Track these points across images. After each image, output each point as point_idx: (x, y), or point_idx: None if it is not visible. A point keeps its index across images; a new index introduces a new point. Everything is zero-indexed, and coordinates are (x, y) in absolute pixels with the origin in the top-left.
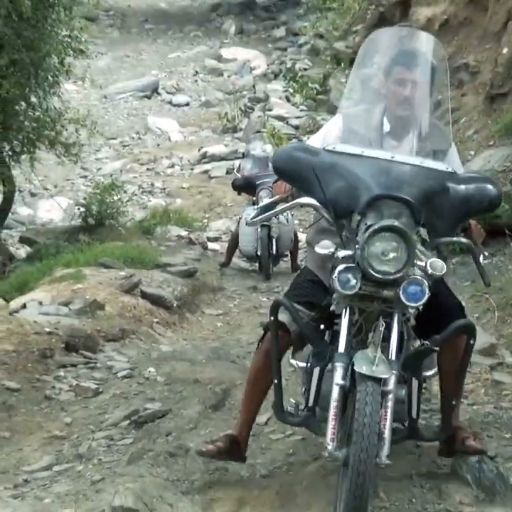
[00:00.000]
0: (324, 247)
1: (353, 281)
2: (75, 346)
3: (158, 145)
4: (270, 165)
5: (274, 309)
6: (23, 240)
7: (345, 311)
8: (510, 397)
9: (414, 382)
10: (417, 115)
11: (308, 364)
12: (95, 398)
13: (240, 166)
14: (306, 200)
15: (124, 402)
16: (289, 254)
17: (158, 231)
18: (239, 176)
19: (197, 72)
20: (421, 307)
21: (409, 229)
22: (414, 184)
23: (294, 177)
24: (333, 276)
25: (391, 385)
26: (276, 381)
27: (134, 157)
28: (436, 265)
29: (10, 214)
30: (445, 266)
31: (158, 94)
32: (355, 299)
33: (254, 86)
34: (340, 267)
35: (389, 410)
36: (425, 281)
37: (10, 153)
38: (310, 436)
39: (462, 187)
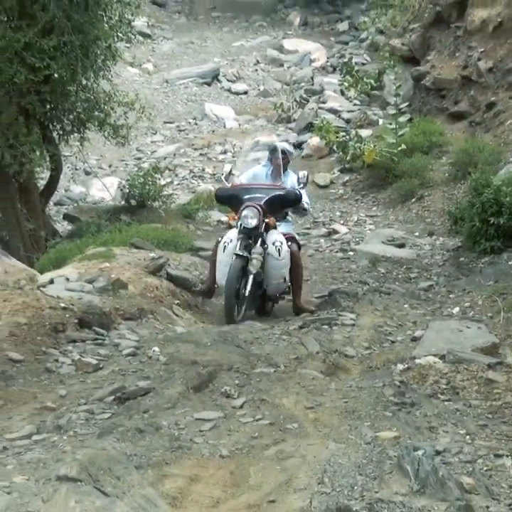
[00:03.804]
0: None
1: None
2: (89, 323)
3: (213, 131)
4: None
5: None
6: (67, 217)
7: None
8: (499, 396)
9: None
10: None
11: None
12: (94, 373)
13: (230, 170)
14: None
15: (120, 379)
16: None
17: (199, 215)
18: (227, 184)
19: (258, 62)
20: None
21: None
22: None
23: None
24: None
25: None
26: None
27: (188, 142)
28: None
29: (63, 191)
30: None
31: (219, 81)
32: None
33: (312, 78)
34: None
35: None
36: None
37: (60, 132)
38: (278, 421)
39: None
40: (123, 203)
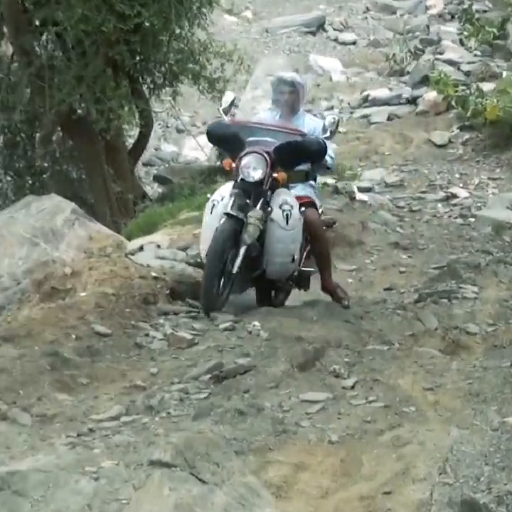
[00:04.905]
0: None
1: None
2: (182, 294)
3: (318, 85)
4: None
5: None
6: (158, 179)
7: None
8: None
9: None
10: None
11: None
12: (189, 349)
13: (232, 101)
14: None
15: (217, 356)
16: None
17: None
18: (225, 118)
19: (368, 9)
20: None
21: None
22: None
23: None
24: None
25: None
26: None
27: None
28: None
29: (153, 150)
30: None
31: (324, 30)
32: None
33: (427, 27)
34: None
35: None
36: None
37: (151, 86)
38: (393, 404)
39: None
40: (218, 163)
